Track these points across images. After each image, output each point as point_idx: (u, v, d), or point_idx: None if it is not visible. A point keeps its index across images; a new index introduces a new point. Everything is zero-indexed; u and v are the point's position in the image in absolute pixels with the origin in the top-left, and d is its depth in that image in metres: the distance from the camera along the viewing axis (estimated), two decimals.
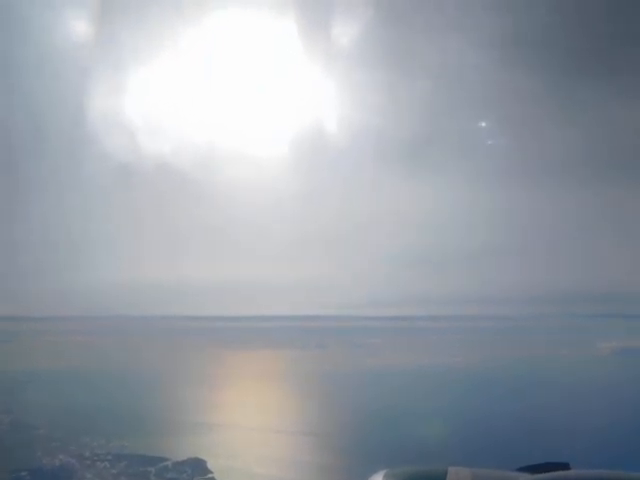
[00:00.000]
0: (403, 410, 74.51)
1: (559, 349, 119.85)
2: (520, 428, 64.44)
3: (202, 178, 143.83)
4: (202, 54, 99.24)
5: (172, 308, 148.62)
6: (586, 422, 65.87)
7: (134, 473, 54.26)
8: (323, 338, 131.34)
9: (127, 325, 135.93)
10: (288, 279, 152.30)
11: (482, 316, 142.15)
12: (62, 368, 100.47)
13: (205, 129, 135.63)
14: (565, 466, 5.50)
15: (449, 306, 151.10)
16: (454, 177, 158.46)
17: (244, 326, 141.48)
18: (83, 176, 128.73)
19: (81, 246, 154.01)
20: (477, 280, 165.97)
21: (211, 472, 54.15)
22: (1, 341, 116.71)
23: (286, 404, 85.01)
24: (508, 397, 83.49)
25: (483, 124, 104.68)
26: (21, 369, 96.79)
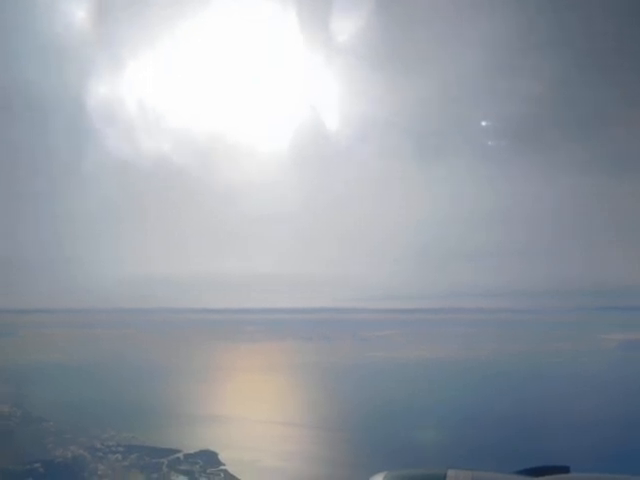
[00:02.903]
0: (407, 404, 74.90)
1: (562, 342, 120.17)
2: (522, 424, 64.87)
3: (207, 172, 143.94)
4: (202, 48, 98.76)
5: (178, 301, 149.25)
6: (589, 416, 66.21)
7: (146, 465, 54.75)
8: (328, 331, 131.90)
9: (135, 318, 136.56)
10: (294, 272, 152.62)
11: (486, 309, 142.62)
12: (70, 361, 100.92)
13: (211, 124, 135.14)
14: (565, 469, 5.78)
15: (454, 299, 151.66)
16: (457, 172, 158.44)
17: (250, 318, 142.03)
18: (85, 170, 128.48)
19: (84, 239, 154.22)
20: (481, 274, 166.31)
21: (223, 464, 54.62)
22: (9, 334, 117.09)
23: (293, 397, 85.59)
24: (511, 391, 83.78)
25: (485, 123, 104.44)
26: (30, 362, 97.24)
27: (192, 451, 56.92)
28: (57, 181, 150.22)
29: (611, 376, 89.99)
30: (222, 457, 55.97)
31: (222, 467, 54.28)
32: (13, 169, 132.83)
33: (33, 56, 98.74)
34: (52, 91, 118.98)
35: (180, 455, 56.18)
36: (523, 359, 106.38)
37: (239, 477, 52.98)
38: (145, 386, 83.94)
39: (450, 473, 5.13)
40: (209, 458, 55.59)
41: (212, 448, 57.87)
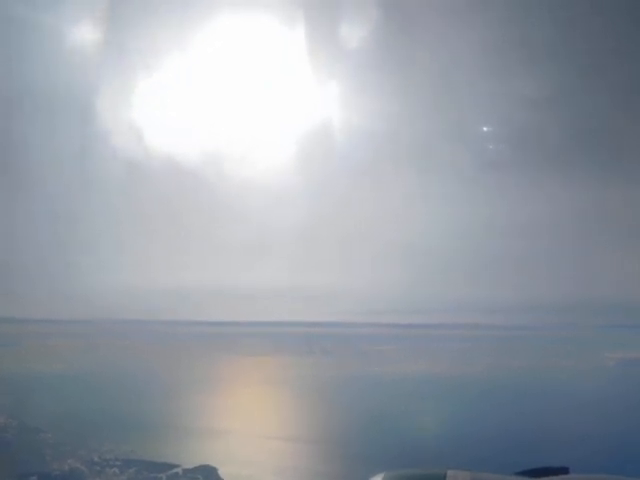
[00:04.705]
0: (407, 417, 74.56)
1: (562, 359, 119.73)
2: (521, 436, 64.53)
3: (206, 183, 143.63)
4: (209, 56, 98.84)
5: (178, 313, 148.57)
6: (588, 431, 65.88)
7: (144, 479, 54.27)
8: (328, 345, 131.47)
9: (134, 329, 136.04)
10: (293, 285, 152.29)
11: (485, 325, 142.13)
12: (68, 372, 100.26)
13: (214, 135, 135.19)
14: (564, 470, 5.65)
15: (453, 314, 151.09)
16: (459, 183, 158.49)
17: (249, 332, 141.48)
18: (86, 178, 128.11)
19: (84, 249, 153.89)
20: (481, 289, 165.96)
21: (222, 479, 54.14)
22: (6, 344, 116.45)
23: (294, 411, 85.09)
24: (510, 405, 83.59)
25: (487, 129, 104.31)
26: (27, 373, 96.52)
27: (191, 466, 56.29)
28: (57, 188, 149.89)
29: (610, 394, 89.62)
30: (221, 472, 55.39)
31: None
32: (14, 173, 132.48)
33: (36, 56, 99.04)
34: (54, 92, 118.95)
35: (179, 470, 55.62)
36: (523, 375, 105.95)
37: None
38: (145, 398, 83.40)
39: (450, 473, 5.16)
40: (208, 473, 55.00)
41: (211, 463, 57.22)
